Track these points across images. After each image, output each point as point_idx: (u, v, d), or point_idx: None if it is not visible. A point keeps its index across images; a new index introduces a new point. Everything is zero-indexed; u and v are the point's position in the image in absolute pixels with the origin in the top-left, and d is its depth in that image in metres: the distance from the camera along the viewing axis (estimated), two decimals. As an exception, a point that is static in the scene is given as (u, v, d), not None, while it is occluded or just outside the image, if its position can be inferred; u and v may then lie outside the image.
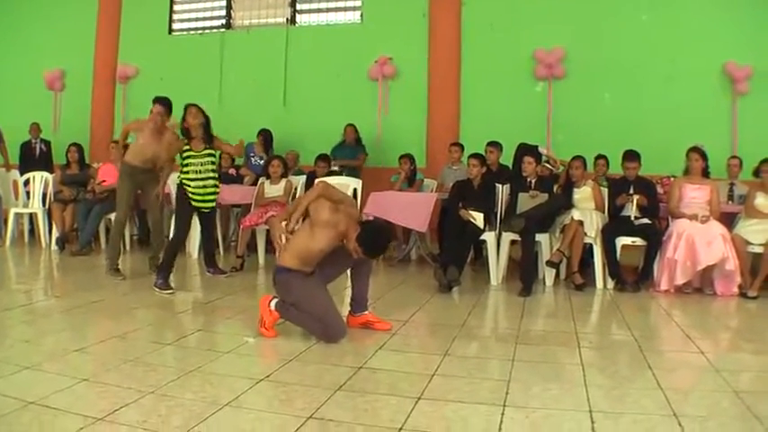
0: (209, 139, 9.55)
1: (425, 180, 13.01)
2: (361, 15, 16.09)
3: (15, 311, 7.89)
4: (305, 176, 12.61)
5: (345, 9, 16.47)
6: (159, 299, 8.64)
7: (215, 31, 17.47)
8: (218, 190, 9.81)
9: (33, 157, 15.60)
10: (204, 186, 9.49)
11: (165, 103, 10.18)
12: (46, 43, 17.83)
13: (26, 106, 17.49)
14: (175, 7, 17.90)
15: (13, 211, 13.97)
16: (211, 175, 9.53)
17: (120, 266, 10.17)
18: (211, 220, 10.33)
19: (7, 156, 15.52)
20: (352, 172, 13.28)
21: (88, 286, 9.25)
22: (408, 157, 12.85)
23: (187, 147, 9.50)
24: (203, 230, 10.47)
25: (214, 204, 9.89)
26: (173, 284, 9.16)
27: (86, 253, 12.20)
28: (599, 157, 11.54)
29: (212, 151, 9.56)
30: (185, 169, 9.51)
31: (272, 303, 6.66)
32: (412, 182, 12.73)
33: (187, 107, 9.52)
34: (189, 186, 9.50)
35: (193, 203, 9.56)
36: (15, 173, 14.54)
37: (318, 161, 12.95)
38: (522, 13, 14.61)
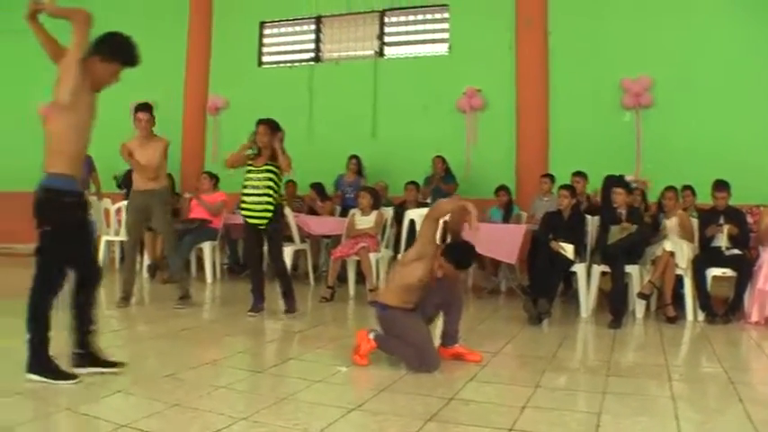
0: (274, 157, 9.43)
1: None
2: (449, 47, 16.16)
3: (106, 336, 8.05)
4: (393, 208, 12.68)
5: (433, 41, 16.54)
6: (249, 327, 8.84)
7: (304, 63, 17.66)
8: (271, 207, 9.39)
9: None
10: (258, 203, 9.37)
11: (146, 108, 10.47)
12: (137, 75, 18.01)
13: (118, 137, 17.77)
14: (265, 40, 18.17)
15: (104, 238, 14.30)
16: (267, 191, 9.33)
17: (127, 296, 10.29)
18: (276, 249, 9.78)
19: (99, 184, 15.94)
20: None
21: (179, 313, 9.37)
22: (504, 189, 13.01)
23: (249, 162, 9.49)
24: (270, 261, 10.11)
25: (267, 222, 9.45)
26: (257, 313, 9.48)
27: (176, 281, 12.42)
28: (685, 188, 11.49)
29: (273, 168, 9.40)
30: (244, 185, 9.55)
31: (372, 334, 6.75)
32: (508, 215, 12.81)
33: (257, 124, 9.51)
34: (245, 202, 9.54)
35: (249, 221, 9.51)
36: (107, 201, 14.85)
37: (408, 185, 13.14)
38: (607, 43, 14.54)
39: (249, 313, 9.44)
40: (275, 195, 9.43)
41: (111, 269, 13.75)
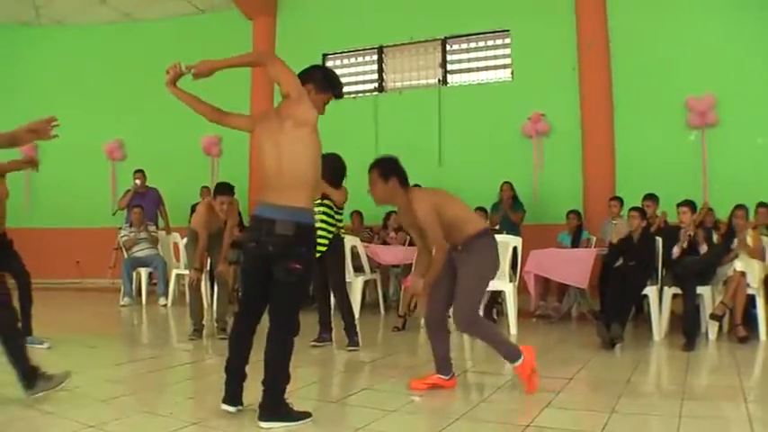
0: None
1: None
2: (512, 73, 16.24)
3: (178, 369, 8.21)
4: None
5: (496, 67, 16.66)
6: (321, 358, 8.92)
7: (368, 94, 17.88)
8: (323, 241, 9.40)
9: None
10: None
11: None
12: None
13: (185, 171, 18.01)
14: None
15: (174, 272, 14.57)
16: (321, 225, 9.31)
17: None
18: (334, 281, 9.81)
19: (167, 219, 16.30)
20: (513, 230, 13.22)
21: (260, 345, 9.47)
22: (575, 213, 13.06)
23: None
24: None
25: (318, 254, 9.22)
26: (321, 343, 9.58)
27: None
28: (760, 204, 11.36)
29: (326, 202, 9.53)
30: None
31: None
32: (577, 239, 12.78)
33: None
34: None
35: None
36: (176, 235, 15.08)
37: (476, 211, 13.03)
38: (671, 62, 14.56)
39: (312, 343, 9.50)
40: (329, 227, 9.56)
41: (181, 302, 13.83)
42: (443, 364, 6.99)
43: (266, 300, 5.93)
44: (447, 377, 6.94)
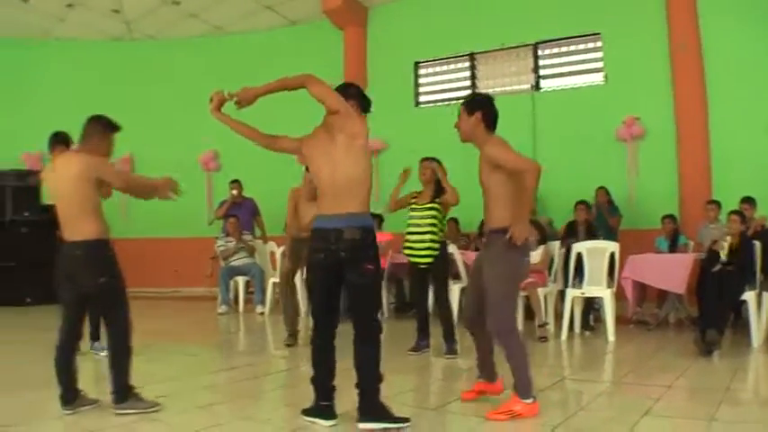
0: (438, 194, 9.53)
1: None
2: (605, 76, 16.09)
3: (275, 376, 8.28)
4: (557, 242, 12.49)
5: (588, 71, 16.50)
6: (417, 365, 9.00)
7: (461, 101, 17.51)
8: (435, 246, 9.51)
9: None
10: (421, 241, 9.45)
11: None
12: (291, 119, 18.24)
13: (280, 180, 17.95)
14: (420, 80, 18.48)
15: (270, 280, 14.83)
16: (430, 229, 9.45)
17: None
18: (440, 290, 9.83)
19: (264, 228, 16.41)
20: (610, 235, 13.03)
21: (343, 353, 9.47)
22: (670, 217, 12.84)
23: (413, 201, 9.66)
24: (435, 302, 10.23)
25: (431, 260, 9.55)
26: (419, 351, 9.62)
27: (342, 321, 12.50)
28: None
29: (435, 206, 9.49)
30: (408, 223, 9.72)
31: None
32: (675, 244, 12.55)
33: (420, 162, 9.73)
34: (408, 241, 9.67)
35: (412, 260, 9.65)
36: (272, 244, 15.28)
37: (578, 204, 13.07)
38: (764, 61, 14.30)
39: (410, 352, 9.58)
40: (438, 233, 9.52)
41: (277, 310, 13.89)
42: (484, 367, 6.93)
43: (337, 309, 6.26)
44: (492, 382, 6.91)
